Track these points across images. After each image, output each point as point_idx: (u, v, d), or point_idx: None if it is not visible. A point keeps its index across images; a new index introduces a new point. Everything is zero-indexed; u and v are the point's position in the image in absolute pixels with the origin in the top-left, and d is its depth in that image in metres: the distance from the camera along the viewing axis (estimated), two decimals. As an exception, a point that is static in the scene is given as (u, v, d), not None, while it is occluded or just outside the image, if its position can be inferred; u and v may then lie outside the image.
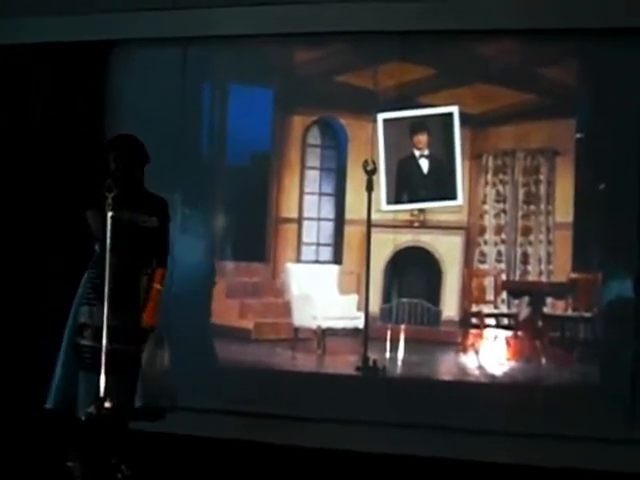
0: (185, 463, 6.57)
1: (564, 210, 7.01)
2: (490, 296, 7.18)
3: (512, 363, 7.09)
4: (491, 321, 7.18)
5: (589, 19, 6.76)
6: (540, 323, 7.06)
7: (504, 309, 7.17)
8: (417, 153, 7.34)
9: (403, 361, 7.22)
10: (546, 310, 7.05)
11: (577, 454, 6.61)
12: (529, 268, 7.09)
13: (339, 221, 7.46)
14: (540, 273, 7.07)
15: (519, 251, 7.12)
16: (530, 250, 7.08)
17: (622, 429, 6.65)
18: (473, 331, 7.19)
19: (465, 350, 7.18)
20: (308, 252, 7.54)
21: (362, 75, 7.35)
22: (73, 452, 5.59)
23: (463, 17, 6.98)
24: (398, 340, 7.22)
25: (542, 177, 7.09)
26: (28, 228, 7.62)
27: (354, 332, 7.31)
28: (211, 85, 7.81)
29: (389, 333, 7.24)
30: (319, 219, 7.53)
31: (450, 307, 7.24)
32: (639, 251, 6.72)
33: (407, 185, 7.34)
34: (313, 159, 7.59)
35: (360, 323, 7.29)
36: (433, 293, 7.27)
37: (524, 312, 7.11)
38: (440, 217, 7.31)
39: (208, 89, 7.82)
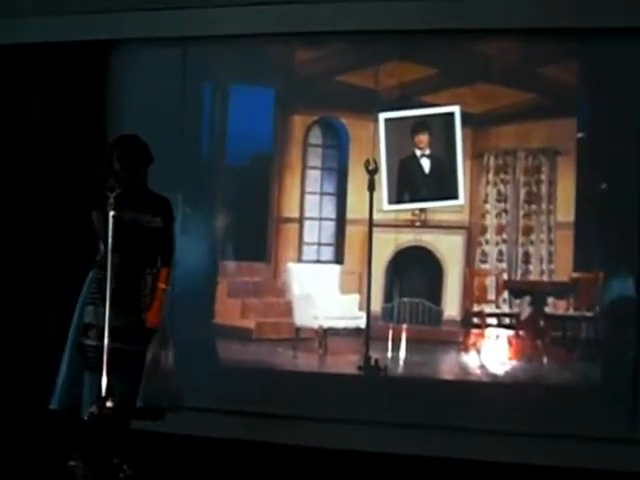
0: (187, 463, 6.57)
1: (565, 209, 7.01)
2: (492, 296, 7.18)
3: (513, 363, 7.09)
4: (492, 321, 7.18)
5: (590, 19, 6.75)
6: (541, 323, 7.06)
7: (505, 309, 7.18)
8: (418, 153, 7.35)
9: (405, 361, 7.21)
10: (547, 310, 7.05)
11: (578, 453, 6.60)
12: (530, 267, 7.09)
13: (340, 221, 7.46)
14: (541, 273, 7.07)
15: (520, 251, 7.12)
16: (531, 249, 7.08)
17: (623, 429, 6.66)
18: (475, 331, 7.19)
19: (467, 350, 7.19)
20: (309, 252, 7.54)
21: (363, 75, 7.35)
22: (75, 451, 5.58)
23: (464, 16, 6.97)
24: (400, 340, 7.22)
25: (543, 176, 7.10)
26: (28, 228, 7.61)
27: (356, 332, 7.31)
28: (212, 85, 7.80)
29: (391, 333, 7.23)
30: (320, 219, 7.53)
31: (452, 307, 7.24)
32: (640, 250, 6.74)
33: (408, 185, 7.34)
34: (314, 159, 7.59)
35: (362, 323, 7.29)
36: (435, 293, 7.27)
37: (525, 312, 7.12)
38: (441, 217, 7.31)
39: (209, 89, 7.81)
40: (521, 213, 7.14)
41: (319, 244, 7.55)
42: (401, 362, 7.22)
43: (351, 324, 7.34)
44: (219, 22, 7.39)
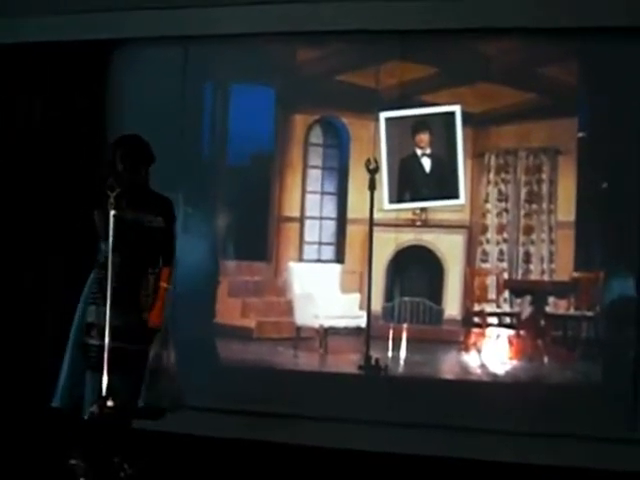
0: (187, 462, 6.56)
1: (566, 209, 7.01)
2: (492, 295, 7.18)
3: (514, 362, 7.09)
4: (493, 320, 7.19)
5: (590, 19, 6.76)
6: (542, 322, 7.06)
7: (506, 308, 7.18)
8: (419, 152, 7.35)
9: (405, 360, 7.21)
10: (548, 309, 7.06)
11: (579, 453, 6.60)
12: (531, 267, 7.09)
13: (341, 220, 7.46)
14: (542, 272, 7.07)
15: (521, 250, 7.13)
16: (532, 249, 7.08)
17: (624, 428, 6.66)
18: (475, 330, 7.19)
19: (467, 349, 7.19)
20: (310, 251, 7.54)
21: (364, 74, 7.36)
22: (76, 450, 5.58)
23: (464, 16, 6.97)
24: (400, 339, 7.22)
25: (544, 176, 7.10)
26: (29, 228, 7.61)
27: (356, 331, 7.31)
28: (212, 84, 7.80)
29: (391, 332, 7.23)
30: (321, 218, 7.53)
31: (452, 306, 7.25)
32: (641, 250, 6.74)
33: (409, 184, 7.34)
34: (315, 158, 7.59)
35: (362, 322, 7.29)
36: (435, 292, 7.28)
37: (526, 311, 7.12)
38: (442, 216, 7.31)
39: (209, 88, 7.81)
40: (522, 212, 7.14)
41: (320, 243, 7.55)
42: (402, 361, 7.22)
43: (352, 323, 7.34)
44: (220, 21, 7.39)
